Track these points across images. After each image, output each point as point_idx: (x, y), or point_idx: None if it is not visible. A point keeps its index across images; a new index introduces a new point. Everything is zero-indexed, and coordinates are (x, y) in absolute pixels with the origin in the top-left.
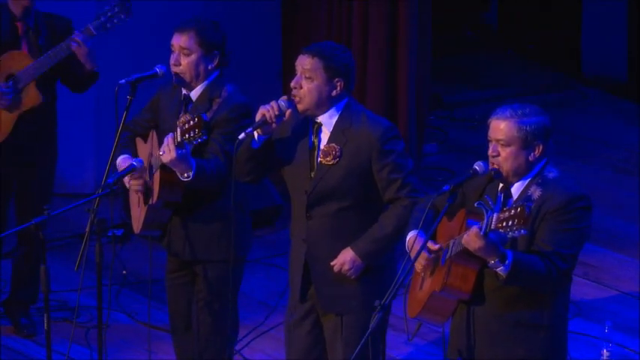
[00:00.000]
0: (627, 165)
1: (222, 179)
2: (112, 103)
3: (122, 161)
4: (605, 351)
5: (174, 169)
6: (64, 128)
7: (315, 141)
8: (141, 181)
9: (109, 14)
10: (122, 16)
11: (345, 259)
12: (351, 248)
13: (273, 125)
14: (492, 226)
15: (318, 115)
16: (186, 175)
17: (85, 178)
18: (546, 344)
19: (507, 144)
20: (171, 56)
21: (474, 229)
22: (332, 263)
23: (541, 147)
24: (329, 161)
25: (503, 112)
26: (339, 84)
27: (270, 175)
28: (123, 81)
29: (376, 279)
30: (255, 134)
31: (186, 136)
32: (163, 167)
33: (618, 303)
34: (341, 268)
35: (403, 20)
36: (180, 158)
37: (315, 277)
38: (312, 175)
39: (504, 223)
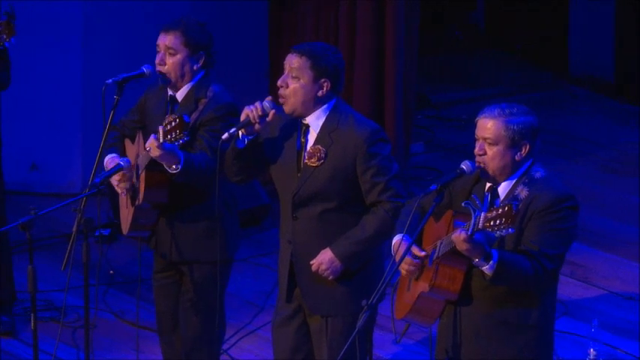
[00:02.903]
0: (615, 164)
1: (211, 174)
2: (99, 103)
3: (110, 160)
4: (592, 350)
5: (163, 162)
6: (51, 128)
7: (303, 142)
8: (128, 183)
9: None
10: (3, 37)
11: (324, 259)
12: (330, 249)
13: (257, 126)
14: (480, 226)
15: (305, 117)
16: (174, 167)
17: (72, 177)
18: (534, 344)
19: (494, 142)
20: (157, 56)
21: (462, 233)
22: (310, 262)
23: (528, 147)
24: (314, 163)
25: (491, 111)
26: (325, 84)
27: (262, 174)
28: (110, 81)
29: (361, 281)
30: (240, 134)
31: (168, 137)
32: (149, 167)
33: (605, 302)
34: (318, 268)
35: (390, 20)
36: (168, 151)
37: (301, 278)
38: (298, 176)
39: (492, 222)
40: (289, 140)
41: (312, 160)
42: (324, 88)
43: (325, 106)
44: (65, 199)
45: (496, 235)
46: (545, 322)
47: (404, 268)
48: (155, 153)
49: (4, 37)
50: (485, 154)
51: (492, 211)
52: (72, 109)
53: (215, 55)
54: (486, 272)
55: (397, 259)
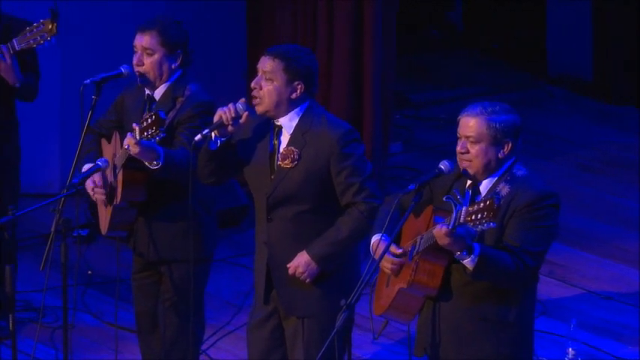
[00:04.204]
0: (593, 164)
1: (191, 170)
2: (77, 103)
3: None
4: (570, 349)
5: (143, 159)
6: (29, 128)
7: (276, 143)
8: (102, 191)
9: (35, 31)
10: (45, 35)
11: (300, 262)
12: (306, 251)
13: (230, 128)
14: (462, 220)
15: (278, 118)
16: (155, 162)
17: (50, 178)
18: (512, 341)
19: (477, 141)
20: (134, 56)
21: (443, 227)
22: (287, 266)
23: (510, 145)
24: (287, 164)
25: (473, 109)
26: (299, 87)
27: (236, 176)
28: (88, 81)
29: (337, 282)
30: (213, 135)
31: (145, 134)
32: (126, 166)
33: (584, 301)
34: (295, 272)
35: (368, 19)
36: (146, 147)
37: (276, 280)
38: (272, 178)
39: (473, 217)
40: (262, 142)
41: (286, 161)
42: (298, 90)
43: (298, 108)
44: (43, 199)
45: (477, 229)
46: (524, 320)
47: (385, 266)
48: (135, 150)
49: (46, 35)
50: (467, 152)
51: (474, 205)
52: (50, 109)
53: (192, 54)
54: (468, 266)
55: (376, 257)
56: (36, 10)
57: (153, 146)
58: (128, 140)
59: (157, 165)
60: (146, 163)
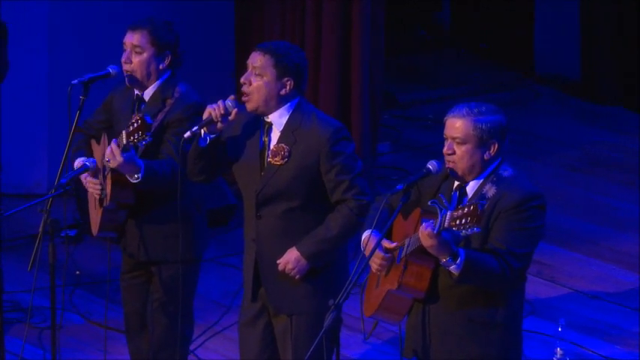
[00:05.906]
0: (580, 163)
1: (177, 179)
2: (65, 104)
3: (78, 163)
4: (558, 349)
5: (124, 173)
6: (17, 129)
7: (266, 140)
8: (97, 182)
9: None
10: None
11: (290, 258)
12: (296, 248)
13: (219, 125)
14: (446, 225)
15: (268, 114)
16: (135, 176)
17: (38, 178)
18: (501, 342)
19: (463, 142)
20: (123, 54)
21: (427, 228)
22: (277, 262)
23: (496, 145)
24: (277, 161)
25: (460, 110)
26: (288, 83)
27: (224, 174)
28: (76, 81)
29: (326, 279)
30: (202, 133)
31: (131, 138)
32: (114, 169)
33: (572, 301)
34: (285, 268)
35: (357, 19)
36: (127, 161)
37: (265, 277)
38: (262, 175)
39: (457, 222)
40: (252, 139)
41: (276, 158)
42: (288, 87)
43: (288, 105)
44: (31, 199)
45: (462, 234)
46: (512, 320)
47: (375, 262)
48: (114, 164)
49: None
50: (454, 153)
51: (458, 210)
52: (38, 109)
53: (182, 55)
54: (453, 272)
55: (367, 253)
56: (34, 10)
57: (134, 160)
58: (109, 153)
59: (137, 179)
60: (127, 176)
